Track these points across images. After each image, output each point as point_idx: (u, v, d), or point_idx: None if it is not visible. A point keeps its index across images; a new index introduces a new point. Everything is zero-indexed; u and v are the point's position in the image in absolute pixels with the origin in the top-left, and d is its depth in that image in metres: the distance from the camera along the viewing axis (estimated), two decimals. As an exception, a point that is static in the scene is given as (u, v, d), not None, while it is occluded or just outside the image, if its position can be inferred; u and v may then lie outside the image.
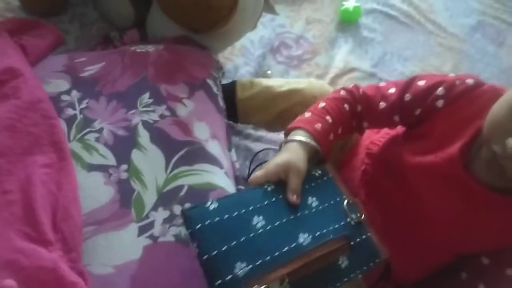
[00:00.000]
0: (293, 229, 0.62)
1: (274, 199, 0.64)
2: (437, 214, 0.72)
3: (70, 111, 0.76)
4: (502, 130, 0.59)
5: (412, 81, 0.77)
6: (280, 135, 1.11)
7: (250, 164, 1.00)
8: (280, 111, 0.94)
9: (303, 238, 0.61)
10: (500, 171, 0.62)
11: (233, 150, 0.86)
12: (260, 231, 0.60)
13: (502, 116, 0.60)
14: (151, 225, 0.66)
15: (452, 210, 0.70)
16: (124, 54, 0.87)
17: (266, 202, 0.63)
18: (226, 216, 0.59)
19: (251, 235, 0.59)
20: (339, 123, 0.77)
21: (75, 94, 0.78)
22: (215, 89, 0.88)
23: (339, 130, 0.77)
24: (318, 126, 0.73)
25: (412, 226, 0.75)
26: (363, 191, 0.82)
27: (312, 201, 0.66)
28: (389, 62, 1.41)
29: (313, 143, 0.70)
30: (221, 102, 0.89)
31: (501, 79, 1.44)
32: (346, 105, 0.79)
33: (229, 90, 0.98)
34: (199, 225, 0.57)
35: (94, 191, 0.68)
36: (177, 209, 0.67)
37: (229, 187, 0.74)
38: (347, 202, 0.68)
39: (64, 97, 0.77)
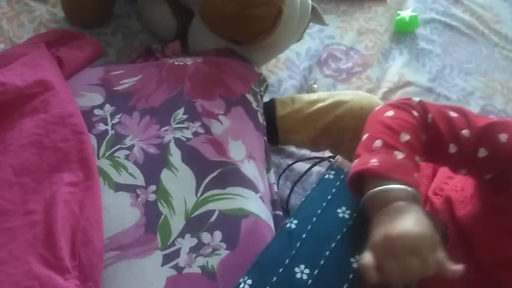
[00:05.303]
0: (341, 259, 0.55)
1: (304, 235, 0.56)
2: None
3: (101, 126, 0.72)
4: None
5: (491, 130, 0.59)
6: (326, 154, 1.04)
7: (293, 187, 0.92)
8: (325, 125, 0.86)
9: (356, 261, 0.54)
10: None
11: (271, 171, 0.79)
12: (309, 282, 0.53)
13: None
14: (176, 253, 0.60)
15: None
16: (162, 67, 0.84)
17: (298, 244, 0.55)
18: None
19: None
20: (417, 140, 0.60)
21: (108, 108, 0.75)
22: (254, 105, 0.83)
23: None
24: (416, 175, 0.56)
25: None
26: None
27: (343, 213, 0.59)
28: (449, 77, 1.29)
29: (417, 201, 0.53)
30: (261, 119, 0.83)
31: None
32: (423, 136, 0.61)
33: (268, 109, 0.91)
34: None
35: (119, 212, 0.64)
36: (206, 237, 0.62)
37: (264, 213, 0.68)
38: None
39: (97, 112, 0.74)
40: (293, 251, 0.55)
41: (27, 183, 0.63)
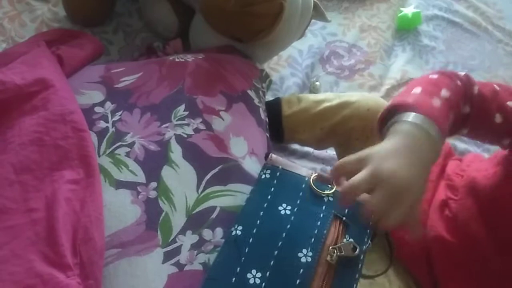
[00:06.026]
0: (289, 256, 0.56)
1: (251, 240, 0.57)
2: None
3: (102, 124, 0.72)
4: None
5: None
6: (329, 152, 1.03)
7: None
8: (332, 126, 0.86)
9: (304, 255, 0.56)
10: None
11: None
12: (263, 285, 0.54)
13: None
14: (177, 250, 0.60)
15: None
16: (162, 64, 0.83)
17: (246, 250, 0.57)
18: None
19: None
20: (455, 103, 0.59)
21: (108, 106, 0.75)
22: (256, 101, 0.82)
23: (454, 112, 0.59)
24: (437, 103, 0.55)
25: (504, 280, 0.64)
26: (443, 226, 0.70)
27: (285, 210, 0.60)
28: (452, 73, 1.29)
29: (434, 133, 0.52)
30: (263, 115, 0.83)
31: None
32: (464, 106, 0.61)
33: (274, 108, 0.91)
34: None
35: (120, 210, 0.63)
36: (207, 234, 0.62)
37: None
38: (313, 182, 0.62)
39: (98, 109, 0.74)
40: (243, 258, 0.56)
41: (28, 181, 0.62)
